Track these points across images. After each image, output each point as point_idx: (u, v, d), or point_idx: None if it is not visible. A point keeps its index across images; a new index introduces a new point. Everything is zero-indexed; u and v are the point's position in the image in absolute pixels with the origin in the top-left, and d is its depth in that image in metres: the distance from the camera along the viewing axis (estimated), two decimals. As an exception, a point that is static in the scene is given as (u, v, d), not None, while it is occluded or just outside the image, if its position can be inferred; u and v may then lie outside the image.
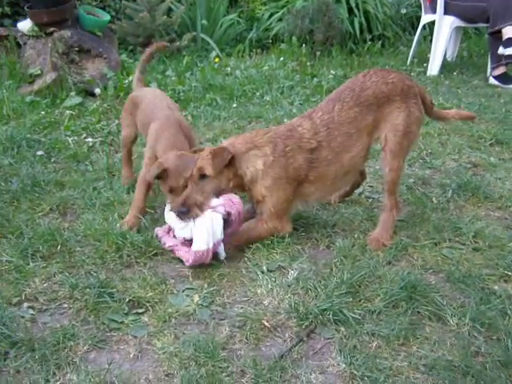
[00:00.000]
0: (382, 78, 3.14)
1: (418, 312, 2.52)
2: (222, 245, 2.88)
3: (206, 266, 2.87)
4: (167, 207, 3.12)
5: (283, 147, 3.02)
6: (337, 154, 3.07)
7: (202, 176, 2.97)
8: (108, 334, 2.41)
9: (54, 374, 2.17)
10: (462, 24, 7.16)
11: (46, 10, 6.01)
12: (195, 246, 2.79)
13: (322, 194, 3.26)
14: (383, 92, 3.10)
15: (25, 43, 6.25)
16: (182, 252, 2.92)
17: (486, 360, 2.23)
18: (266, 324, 2.42)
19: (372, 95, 3.09)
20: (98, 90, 5.88)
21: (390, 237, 3.11)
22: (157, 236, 3.09)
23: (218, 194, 2.97)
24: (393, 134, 3.08)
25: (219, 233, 2.83)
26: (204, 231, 2.79)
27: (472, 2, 6.80)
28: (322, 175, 3.10)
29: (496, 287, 2.70)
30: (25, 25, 6.21)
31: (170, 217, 3.04)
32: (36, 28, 6.15)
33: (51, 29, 6.09)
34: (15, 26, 6.43)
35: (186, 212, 2.88)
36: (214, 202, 2.91)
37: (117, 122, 5.12)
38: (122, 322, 2.46)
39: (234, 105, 5.62)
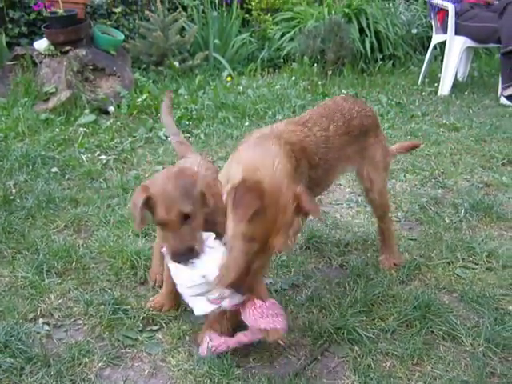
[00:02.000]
0: (362, 110, 2.93)
1: (432, 332, 2.51)
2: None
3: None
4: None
5: (298, 167, 2.52)
6: (325, 175, 2.77)
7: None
8: (123, 350, 2.42)
9: (70, 389, 2.19)
10: (473, 44, 7.19)
11: (62, 29, 6.14)
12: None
13: None
14: (364, 125, 2.90)
15: (40, 62, 6.33)
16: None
17: (501, 381, 2.22)
18: (281, 342, 2.42)
19: (358, 126, 2.86)
20: (111, 108, 5.95)
21: (398, 254, 3.11)
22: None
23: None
24: (376, 173, 2.93)
25: None
26: None
27: (483, 22, 6.85)
28: None
29: (511, 307, 2.69)
30: (41, 44, 6.32)
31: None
32: (52, 47, 6.25)
33: (67, 48, 6.21)
34: (32, 45, 6.54)
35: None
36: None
37: (130, 139, 5.18)
38: (136, 339, 2.47)
39: (247, 123, 5.65)
